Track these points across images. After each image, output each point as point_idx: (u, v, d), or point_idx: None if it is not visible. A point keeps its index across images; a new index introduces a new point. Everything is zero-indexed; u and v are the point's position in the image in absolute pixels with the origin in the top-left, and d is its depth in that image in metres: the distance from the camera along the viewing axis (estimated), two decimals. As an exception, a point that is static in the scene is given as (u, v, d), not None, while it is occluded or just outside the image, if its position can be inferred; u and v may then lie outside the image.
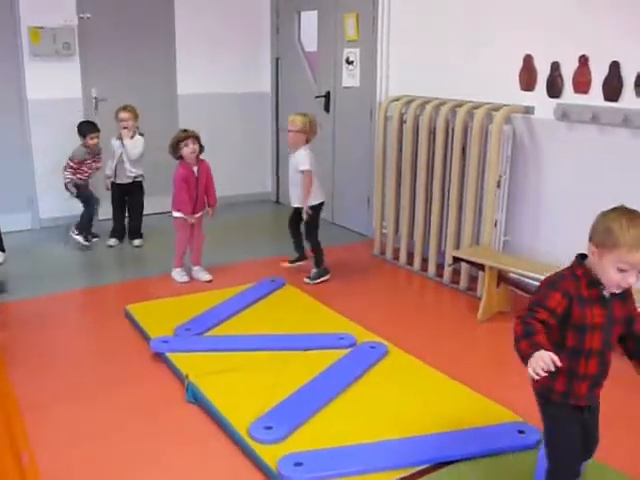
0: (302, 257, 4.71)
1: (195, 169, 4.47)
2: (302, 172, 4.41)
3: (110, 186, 5.42)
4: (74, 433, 2.80)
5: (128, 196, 5.42)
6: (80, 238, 5.24)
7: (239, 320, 3.89)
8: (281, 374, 3.20)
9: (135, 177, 5.32)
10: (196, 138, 4.41)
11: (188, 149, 4.38)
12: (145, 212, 5.64)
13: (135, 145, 5.20)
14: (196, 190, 4.48)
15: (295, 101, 6.43)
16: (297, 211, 4.58)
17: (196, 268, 4.65)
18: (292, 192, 4.55)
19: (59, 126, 5.74)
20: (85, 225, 5.30)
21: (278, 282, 4.45)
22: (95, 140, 5.22)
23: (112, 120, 5.28)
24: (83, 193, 5.30)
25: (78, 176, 5.23)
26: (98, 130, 5.26)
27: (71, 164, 5.21)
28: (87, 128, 5.21)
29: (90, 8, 5.73)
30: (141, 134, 5.27)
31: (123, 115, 5.17)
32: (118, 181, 5.34)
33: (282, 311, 4.02)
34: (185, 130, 4.48)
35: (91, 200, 5.32)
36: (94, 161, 5.31)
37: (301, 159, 4.42)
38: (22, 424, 2.83)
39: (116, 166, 5.28)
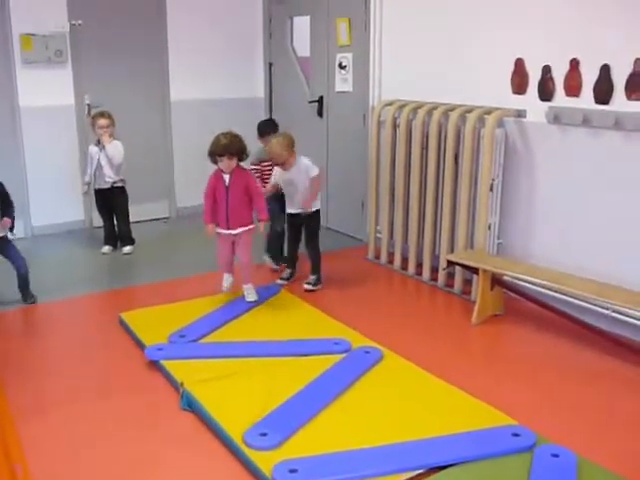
0: (294, 272, 4.68)
1: (227, 178, 4.03)
2: (313, 177, 4.35)
3: (86, 192, 5.37)
4: (68, 442, 2.79)
5: (111, 202, 5.35)
6: (269, 260, 4.90)
7: (234, 326, 3.88)
8: (276, 380, 3.20)
9: (114, 182, 5.25)
10: (232, 154, 3.97)
11: (223, 165, 4.01)
12: (136, 219, 5.64)
13: (117, 149, 5.18)
14: (225, 202, 4.02)
15: (288, 106, 6.44)
16: (295, 222, 4.51)
17: (244, 286, 4.27)
18: (295, 199, 4.43)
19: (52, 133, 5.75)
20: (272, 245, 4.87)
21: (273, 288, 4.45)
22: None
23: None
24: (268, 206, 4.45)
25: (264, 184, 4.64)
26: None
27: (252, 167, 4.67)
28: (272, 128, 4.84)
29: (82, 15, 5.73)
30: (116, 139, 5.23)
31: (102, 122, 5.12)
32: (97, 186, 5.28)
33: (277, 317, 4.01)
34: (226, 138, 3.98)
35: (273, 215, 4.54)
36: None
37: (309, 166, 4.35)
38: (16, 433, 2.82)
39: (95, 172, 5.24)
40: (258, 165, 4.75)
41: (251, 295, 4.22)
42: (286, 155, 4.28)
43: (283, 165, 4.34)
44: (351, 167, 5.71)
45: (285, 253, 4.81)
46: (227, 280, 4.31)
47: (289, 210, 4.55)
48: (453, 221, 4.50)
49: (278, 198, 4.64)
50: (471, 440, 2.69)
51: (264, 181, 4.68)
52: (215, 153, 3.99)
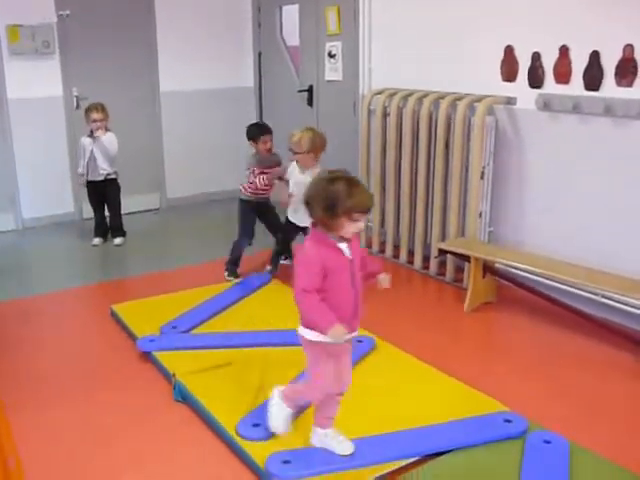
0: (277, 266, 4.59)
1: (345, 247, 2.36)
2: None
3: (83, 183, 5.33)
4: (60, 435, 2.78)
5: (104, 194, 5.34)
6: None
7: (226, 317, 3.88)
8: (269, 370, 3.19)
9: (107, 174, 5.23)
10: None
11: (354, 227, 2.31)
12: (127, 211, 5.62)
13: (111, 141, 5.14)
14: (352, 284, 2.38)
15: (278, 95, 6.43)
16: (294, 230, 4.33)
17: (327, 431, 2.60)
18: (300, 212, 3.83)
19: (40, 125, 5.71)
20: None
21: (264, 278, 4.44)
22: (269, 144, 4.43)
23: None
24: None
25: None
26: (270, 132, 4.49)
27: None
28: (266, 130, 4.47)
29: (69, 5, 5.67)
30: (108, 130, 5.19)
31: (95, 116, 5.08)
32: (90, 178, 5.25)
33: (269, 307, 4.01)
34: (363, 186, 2.34)
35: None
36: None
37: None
38: (8, 426, 2.81)
39: (88, 164, 5.20)
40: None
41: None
42: (309, 149, 4.09)
43: (303, 163, 4.16)
44: (341, 156, 5.67)
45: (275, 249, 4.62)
46: (346, 440, 2.60)
47: (292, 218, 4.33)
48: (444, 209, 4.51)
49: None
50: (463, 427, 2.70)
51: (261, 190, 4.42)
52: (355, 209, 2.26)
